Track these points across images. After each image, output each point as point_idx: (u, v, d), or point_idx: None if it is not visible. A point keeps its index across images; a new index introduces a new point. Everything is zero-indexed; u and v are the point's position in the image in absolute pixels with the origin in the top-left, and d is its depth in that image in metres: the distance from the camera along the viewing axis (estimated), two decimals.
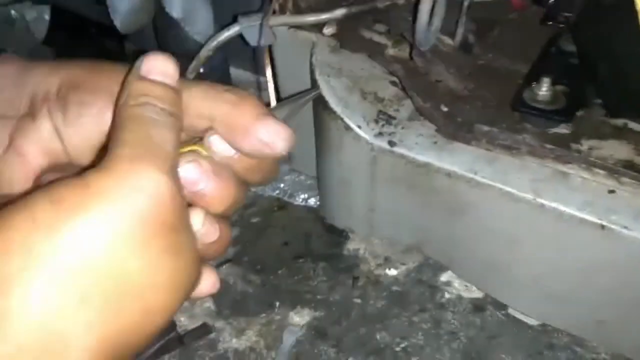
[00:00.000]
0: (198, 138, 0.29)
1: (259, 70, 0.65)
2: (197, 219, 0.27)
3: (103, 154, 0.25)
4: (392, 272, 0.61)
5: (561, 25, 0.47)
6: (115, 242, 0.23)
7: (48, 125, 0.30)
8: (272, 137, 0.28)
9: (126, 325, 0.23)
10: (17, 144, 0.30)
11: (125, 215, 0.23)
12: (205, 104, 0.28)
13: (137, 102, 0.26)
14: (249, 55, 0.65)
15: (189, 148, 0.29)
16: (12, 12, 1.10)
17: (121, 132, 0.25)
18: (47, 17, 1.08)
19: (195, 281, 0.27)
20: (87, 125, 0.30)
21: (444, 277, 0.59)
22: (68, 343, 0.22)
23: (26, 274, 0.21)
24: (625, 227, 0.42)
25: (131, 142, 0.25)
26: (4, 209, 0.22)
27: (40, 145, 0.30)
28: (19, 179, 0.30)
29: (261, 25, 0.54)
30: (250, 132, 0.27)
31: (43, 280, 0.21)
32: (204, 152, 0.29)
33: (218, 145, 0.29)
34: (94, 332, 0.22)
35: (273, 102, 0.36)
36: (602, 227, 0.43)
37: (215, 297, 0.60)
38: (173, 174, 0.25)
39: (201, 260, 0.27)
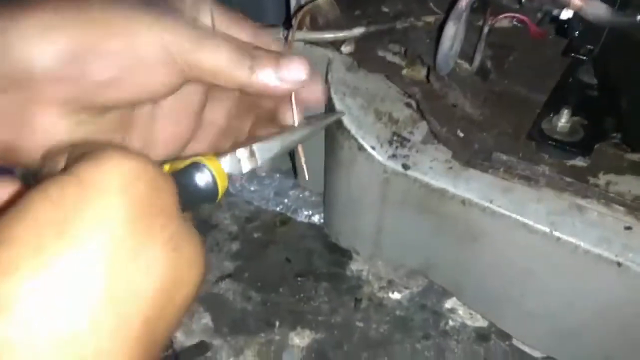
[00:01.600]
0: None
1: None
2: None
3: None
4: (396, 295, 0.60)
5: (584, 58, 0.46)
6: (120, 235, 0.21)
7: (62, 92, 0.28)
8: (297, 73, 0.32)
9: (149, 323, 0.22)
10: (29, 119, 0.28)
11: (128, 204, 0.22)
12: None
13: None
14: None
15: (193, 159, 0.28)
16: None
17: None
18: None
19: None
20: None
21: (448, 304, 0.58)
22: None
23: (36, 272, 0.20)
24: None
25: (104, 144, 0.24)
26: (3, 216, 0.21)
27: (58, 108, 0.28)
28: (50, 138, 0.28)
29: (286, 39, 0.53)
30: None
31: (53, 282, 0.20)
32: (206, 162, 0.28)
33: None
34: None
35: (295, 117, 0.36)
36: (619, 264, 0.42)
37: (214, 313, 0.58)
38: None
39: None
